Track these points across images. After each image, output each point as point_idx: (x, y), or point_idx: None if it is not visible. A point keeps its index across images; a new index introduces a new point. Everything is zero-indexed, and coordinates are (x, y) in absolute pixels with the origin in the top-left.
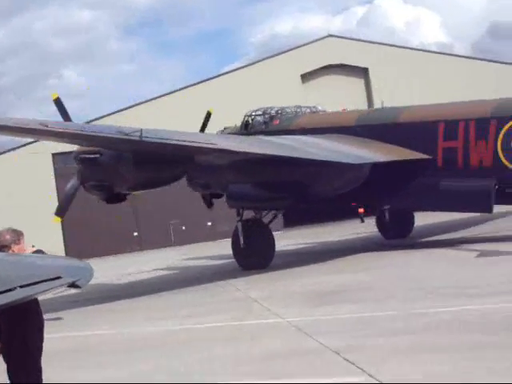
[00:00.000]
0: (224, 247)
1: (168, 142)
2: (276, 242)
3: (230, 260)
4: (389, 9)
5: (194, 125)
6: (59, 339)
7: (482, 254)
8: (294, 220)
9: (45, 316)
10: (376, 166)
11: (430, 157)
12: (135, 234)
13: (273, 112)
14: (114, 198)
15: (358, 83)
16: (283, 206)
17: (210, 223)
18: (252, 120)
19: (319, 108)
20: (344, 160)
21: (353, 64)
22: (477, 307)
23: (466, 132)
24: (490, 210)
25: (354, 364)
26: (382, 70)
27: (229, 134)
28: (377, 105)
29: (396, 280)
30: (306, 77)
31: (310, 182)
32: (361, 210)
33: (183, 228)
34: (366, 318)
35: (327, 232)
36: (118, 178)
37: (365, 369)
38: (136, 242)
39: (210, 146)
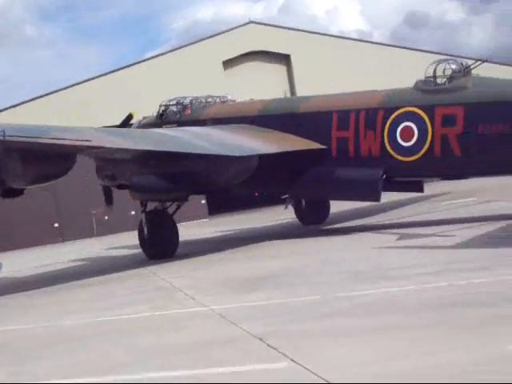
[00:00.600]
0: None
1: (35, 140)
2: (201, 230)
3: None
4: None
5: (114, 112)
6: None
7: (402, 237)
8: (219, 207)
9: None
10: (272, 156)
11: (325, 147)
12: (56, 225)
13: (186, 102)
14: (10, 192)
15: (280, 70)
16: (181, 198)
17: (133, 212)
18: (166, 110)
19: (229, 97)
20: (225, 152)
21: (275, 51)
22: (397, 289)
23: (357, 122)
24: (377, 199)
25: (276, 349)
26: (304, 56)
27: (144, 124)
28: (299, 92)
29: (320, 265)
30: (227, 63)
31: (201, 173)
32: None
33: (106, 218)
34: (291, 303)
35: (252, 218)
36: (8, 173)
37: (287, 354)
38: (57, 234)
39: (84, 143)
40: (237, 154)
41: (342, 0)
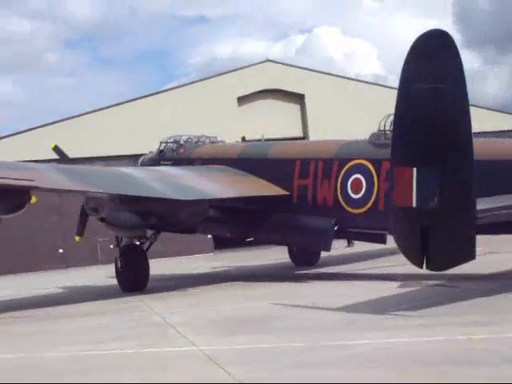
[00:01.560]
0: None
1: None
2: (200, 264)
3: (153, 283)
4: (327, 39)
5: (129, 140)
6: None
7: (401, 285)
8: (225, 242)
9: None
10: (240, 200)
11: (288, 193)
12: (60, 250)
13: (181, 140)
14: None
15: (294, 109)
16: (145, 235)
17: (137, 243)
18: (165, 147)
19: (218, 139)
20: (173, 196)
21: (289, 90)
22: (390, 341)
23: (315, 171)
24: (327, 249)
25: None
26: (318, 97)
27: (148, 159)
28: (311, 132)
29: (313, 309)
30: (242, 100)
31: (157, 213)
32: None
33: (111, 246)
34: (280, 348)
35: (256, 255)
36: None
37: None
38: (61, 260)
39: (27, 183)
40: (183, 197)
41: (360, 44)
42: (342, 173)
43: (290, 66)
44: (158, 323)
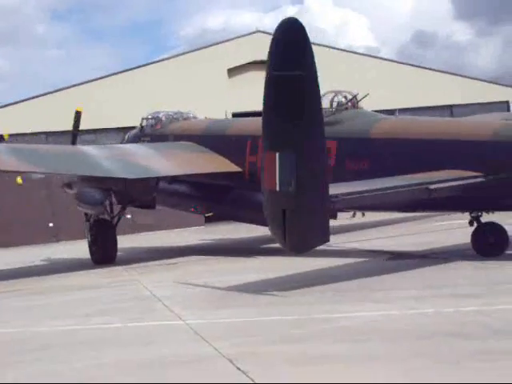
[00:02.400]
0: (143, 241)
1: None
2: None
3: (143, 255)
4: (318, 10)
5: (118, 112)
6: None
7: (390, 257)
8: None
9: None
10: (200, 176)
11: (241, 170)
12: (50, 224)
13: (159, 116)
14: None
15: None
16: (106, 210)
17: (129, 216)
18: (145, 123)
19: (190, 115)
20: (120, 174)
21: None
22: (379, 314)
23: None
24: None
25: (245, 374)
26: None
27: (132, 135)
28: None
29: (301, 281)
30: (232, 71)
31: (114, 190)
32: None
33: None
34: (266, 322)
35: (249, 228)
36: None
37: (255, 380)
38: (51, 233)
39: None
40: (128, 175)
41: (352, 15)
42: None
43: None
44: (145, 297)
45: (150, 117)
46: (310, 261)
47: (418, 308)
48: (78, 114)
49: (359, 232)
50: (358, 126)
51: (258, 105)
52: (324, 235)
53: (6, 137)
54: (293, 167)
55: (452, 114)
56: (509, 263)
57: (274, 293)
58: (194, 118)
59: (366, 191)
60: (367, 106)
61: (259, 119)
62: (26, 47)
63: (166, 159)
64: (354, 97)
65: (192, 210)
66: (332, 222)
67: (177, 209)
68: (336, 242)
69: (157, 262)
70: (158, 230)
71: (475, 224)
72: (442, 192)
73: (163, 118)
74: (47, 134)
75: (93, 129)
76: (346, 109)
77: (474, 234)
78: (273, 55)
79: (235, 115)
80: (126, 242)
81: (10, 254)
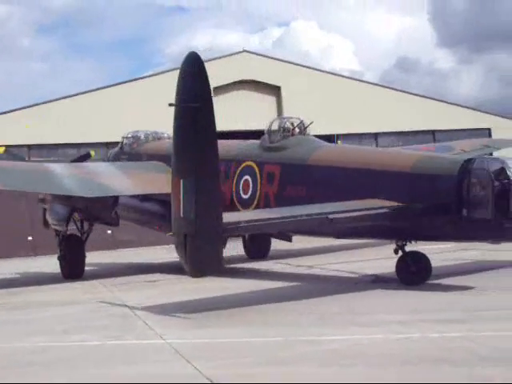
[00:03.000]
0: (122, 256)
1: None
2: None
3: (123, 272)
4: (304, 33)
5: (102, 127)
6: None
7: (375, 279)
8: None
9: None
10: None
11: None
12: (29, 238)
13: (136, 136)
14: None
15: (269, 101)
16: (78, 227)
17: (109, 231)
18: (125, 142)
19: (165, 135)
20: (78, 193)
21: (266, 81)
22: (365, 337)
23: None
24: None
25: None
26: (294, 89)
27: (114, 154)
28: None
29: (286, 303)
30: (218, 90)
31: (78, 208)
32: None
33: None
34: (251, 343)
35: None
36: None
37: None
38: (30, 247)
39: None
40: (86, 194)
41: (337, 39)
42: (237, 173)
43: (267, 57)
44: (126, 314)
45: (129, 135)
46: (293, 282)
47: (404, 332)
48: (87, 156)
49: (334, 254)
50: (299, 153)
51: (243, 123)
52: (216, 263)
53: (92, 154)
54: (193, 194)
55: (434, 139)
56: (485, 291)
57: (258, 314)
58: (169, 138)
59: (260, 220)
60: (351, 128)
61: (230, 142)
62: (11, 60)
63: (126, 178)
64: (301, 123)
65: (156, 228)
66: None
67: (142, 226)
68: (318, 263)
69: (137, 279)
70: (139, 247)
71: (400, 253)
72: (342, 221)
73: (140, 138)
74: (29, 146)
75: (77, 143)
76: (293, 135)
77: (398, 263)
78: (177, 87)
79: (221, 134)
80: (106, 257)
81: None
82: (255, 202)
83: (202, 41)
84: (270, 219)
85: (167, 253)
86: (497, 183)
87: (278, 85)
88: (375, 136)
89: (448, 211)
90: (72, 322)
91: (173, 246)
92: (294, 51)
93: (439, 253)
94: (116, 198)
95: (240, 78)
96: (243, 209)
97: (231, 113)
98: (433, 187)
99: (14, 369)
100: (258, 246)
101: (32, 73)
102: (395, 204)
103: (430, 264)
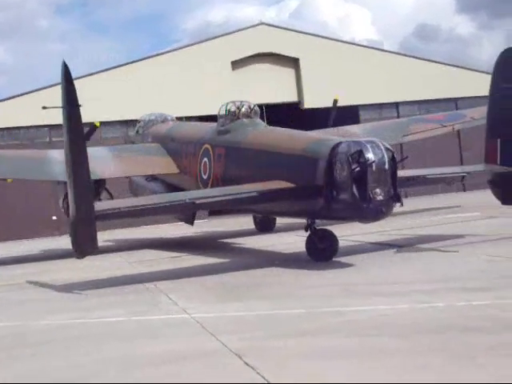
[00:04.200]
0: (143, 233)
1: None
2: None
3: (148, 249)
4: (321, 3)
5: (121, 106)
6: None
7: (399, 250)
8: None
9: None
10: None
11: (177, 171)
12: (54, 217)
13: (148, 118)
14: None
15: (288, 73)
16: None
17: None
18: (138, 125)
19: (169, 117)
20: (62, 178)
21: (284, 53)
22: (389, 307)
23: (192, 154)
24: (191, 223)
25: (254, 369)
26: (313, 61)
27: (134, 137)
28: (306, 96)
29: (309, 275)
30: (236, 64)
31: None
32: None
33: None
34: (275, 315)
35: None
36: None
37: (265, 375)
38: (55, 227)
39: None
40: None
41: (354, 8)
42: (199, 155)
43: (285, 29)
44: (149, 290)
45: (141, 118)
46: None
47: (429, 302)
48: (93, 128)
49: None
50: (237, 136)
51: (261, 97)
52: (93, 245)
53: (97, 124)
54: (71, 183)
55: (456, 107)
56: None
57: (280, 286)
58: (172, 120)
59: (129, 207)
60: (371, 98)
61: (199, 125)
62: (29, 41)
63: (117, 162)
64: (249, 107)
65: None
66: None
67: None
68: (340, 235)
69: (160, 255)
70: (161, 223)
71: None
72: (206, 206)
73: (149, 120)
74: (50, 127)
75: (96, 121)
76: (238, 118)
77: (307, 240)
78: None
79: None
80: (130, 234)
81: (13, 246)
82: (210, 183)
83: (218, 15)
84: (136, 206)
85: (188, 228)
86: (355, 166)
87: (296, 57)
88: (396, 105)
89: (322, 193)
90: (95, 298)
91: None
92: (312, 22)
93: (467, 221)
94: (101, 181)
95: (258, 51)
96: (203, 188)
97: (249, 86)
98: (313, 170)
99: (38, 347)
100: (264, 221)
101: (50, 53)
102: (287, 186)
103: (337, 241)
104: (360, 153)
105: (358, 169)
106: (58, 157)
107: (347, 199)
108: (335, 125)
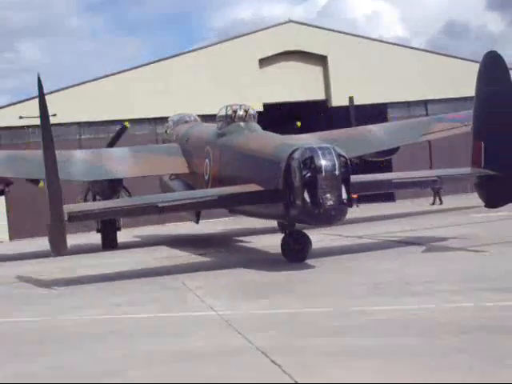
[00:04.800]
0: (170, 230)
1: None
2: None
3: (175, 246)
4: (349, 1)
5: (149, 103)
6: None
7: (428, 248)
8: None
9: None
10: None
11: (187, 172)
12: None
13: (173, 119)
14: None
15: (316, 71)
16: None
17: None
18: (166, 125)
19: (192, 118)
20: (78, 178)
21: (312, 51)
22: (418, 307)
23: (205, 155)
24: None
25: (280, 367)
26: (341, 58)
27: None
28: (334, 94)
29: (337, 273)
30: (264, 61)
31: (99, 190)
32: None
33: None
34: (302, 314)
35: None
36: None
37: (292, 374)
38: (85, 223)
39: None
40: (83, 178)
41: (382, 6)
42: (204, 157)
43: (313, 26)
44: (176, 287)
45: (170, 119)
46: (344, 253)
47: (457, 302)
48: (122, 129)
49: (379, 223)
50: (231, 140)
51: (289, 95)
52: (64, 244)
53: (127, 125)
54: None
55: None
56: None
57: (309, 285)
58: (195, 121)
59: (97, 209)
60: (400, 96)
61: (209, 126)
62: (59, 39)
63: (133, 162)
64: (245, 111)
65: None
66: None
67: None
68: (366, 233)
69: (187, 251)
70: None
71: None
72: (170, 209)
73: (173, 121)
74: (79, 124)
75: (126, 119)
76: (234, 122)
77: (282, 242)
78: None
79: (266, 106)
80: (155, 231)
81: (41, 242)
82: (209, 184)
83: (245, 13)
84: (106, 209)
85: (211, 226)
86: (305, 172)
87: (324, 54)
88: (425, 103)
89: (282, 198)
90: (122, 295)
91: (218, 220)
92: (340, 20)
93: (494, 221)
94: (117, 180)
95: (286, 49)
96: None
97: (277, 84)
98: (276, 175)
99: (66, 341)
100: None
101: (80, 51)
102: (254, 189)
103: (310, 243)
104: (311, 159)
105: (308, 175)
106: (78, 157)
107: (300, 204)
108: (362, 123)
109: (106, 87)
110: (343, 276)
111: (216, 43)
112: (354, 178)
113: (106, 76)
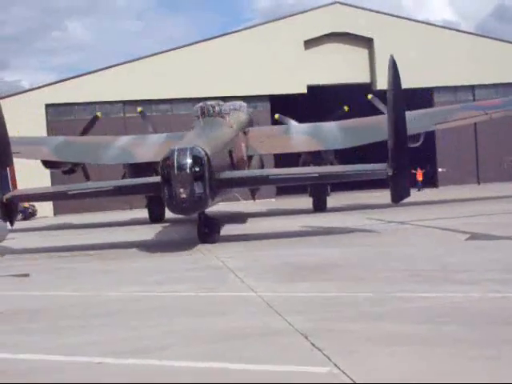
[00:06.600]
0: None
1: None
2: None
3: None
4: None
5: (192, 83)
6: (22, 298)
7: (473, 236)
8: (286, 189)
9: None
10: None
11: None
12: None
13: (205, 106)
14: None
15: (361, 53)
16: None
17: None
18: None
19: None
20: (106, 161)
21: (358, 33)
22: (461, 295)
23: None
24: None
25: (320, 351)
26: (387, 41)
27: None
28: (379, 77)
29: (379, 258)
30: (309, 43)
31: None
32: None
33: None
34: (342, 298)
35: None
36: None
37: (332, 358)
38: (125, 200)
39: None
40: (108, 162)
41: None
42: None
43: (360, 8)
44: (217, 267)
45: (199, 105)
46: (385, 237)
47: (502, 291)
48: (94, 119)
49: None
50: (192, 133)
51: (334, 77)
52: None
53: (98, 115)
54: None
55: None
56: None
57: (350, 269)
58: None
59: (36, 194)
60: (447, 81)
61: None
62: (106, 18)
63: (157, 148)
64: (211, 106)
65: None
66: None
67: None
68: (406, 220)
69: (228, 232)
70: (237, 201)
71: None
72: (79, 196)
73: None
74: (124, 102)
75: (168, 99)
76: (199, 118)
77: (197, 226)
78: None
79: (310, 87)
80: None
81: (86, 218)
82: None
83: None
84: (45, 193)
85: (258, 205)
86: (164, 170)
87: (370, 37)
88: (472, 89)
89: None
90: (165, 273)
91: (265, 201)
92: (386, 2)
93: None
94: (145, 164)
95: (331, 31)
96: None
97: (322, 66)
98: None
99: (108, 317)
100: (318, 202)
101: (127, 31)
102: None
103: (218, 228)
104: (168, 159)
105: (167, 171)
106: (118, 143)
107: (163, 197)
108: (411, 107)
109: (151, 66)
110: (383, 261)
111: (261, 24)
112: (225, 175)
113: (150, 56)
